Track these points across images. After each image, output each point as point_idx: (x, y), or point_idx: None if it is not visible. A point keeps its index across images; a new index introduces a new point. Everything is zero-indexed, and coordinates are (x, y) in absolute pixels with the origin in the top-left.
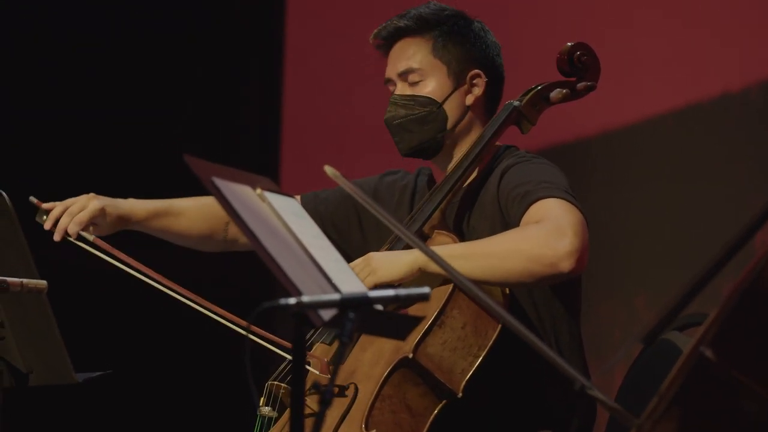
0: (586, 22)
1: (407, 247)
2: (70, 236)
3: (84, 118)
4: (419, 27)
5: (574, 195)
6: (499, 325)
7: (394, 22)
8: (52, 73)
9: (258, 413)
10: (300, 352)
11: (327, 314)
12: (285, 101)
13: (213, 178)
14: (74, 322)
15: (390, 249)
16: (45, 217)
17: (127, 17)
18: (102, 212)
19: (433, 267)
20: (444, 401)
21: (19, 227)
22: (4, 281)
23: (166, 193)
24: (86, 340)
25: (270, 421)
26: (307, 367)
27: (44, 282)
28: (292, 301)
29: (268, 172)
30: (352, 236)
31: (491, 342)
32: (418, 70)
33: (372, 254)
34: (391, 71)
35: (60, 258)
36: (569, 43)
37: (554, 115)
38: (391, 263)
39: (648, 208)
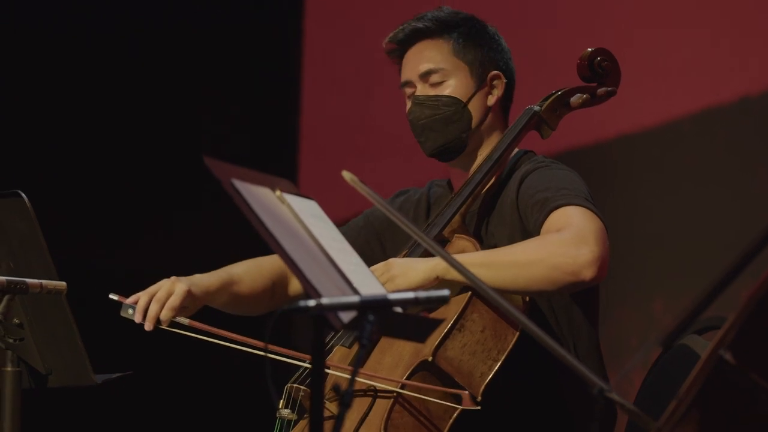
0: (605, 26)
1: (426, 253)
2: (161, 324)
3: (103, 120)
4: (438, 28)
5: (594, 202)
6: (519, 330)
7: (412, 24)
8: (69, 76)
9: (277, 416)
10: (319, 354)
11: (346, 316)
12: (303, 103)
13: (233, 179)
14: (93, 324)
15: (408, 254)
16: (131, 311)
17: (145, 18)
18: (189, 294)
19: (452, 275)
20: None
21: (39, 228)
22: (24, 282)
23: (187, 194)
24: (105, 341)
25: (290, 424)
26: (327, 371)
27: (63, 283)
28: (311, 303)
29: (286, 175)
30: (377, 261)
31: (510, 346)
32: (440, 71)
33: (392, 260)
34: (411, 73)
35: (79, 259)
36: (590, 49)
37: (573, 119)
38: (409, 271)
39: (666, 213)
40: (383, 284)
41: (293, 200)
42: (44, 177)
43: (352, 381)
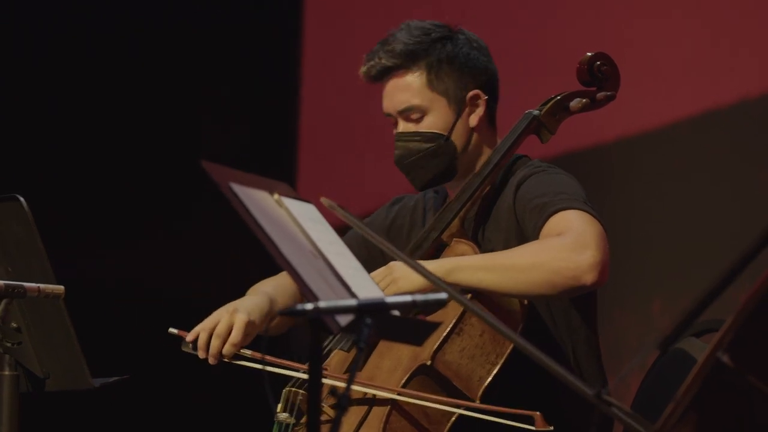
0: (604, 29)
1: (426, 256)
2: (224, 359)
3: (101, 121)
4: (407, 62)
5: (592, 206)
6: (517, 334)
7: (382, 61)
8: (67, 76)
9: (275, 419)
10: (317, 358)
11: (344, 320)
12: (302, 105)
13: (231, 183)
14: (91, 327)
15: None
16: (191, 346)
17: (144, 18)
18: (251, 324)
19: (453, 278)
20: (461, 409)
21: (37, 232)
22: (22, 286)
23: (185, 198)
24: (103, 344)
25: (288, 428)
26: (324, 381)
27: (61, 287)
28: (308, 306)
29: (285, 176)
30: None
31: (509, 350)
32: (417, 107)
33: (394, 264)
34: (390, 107)
35: (77, 263)
36: (589, 53)
37: (571, 121)
38: (411, 273)
39: (664, 215)
40: (385, 287)
41: (291, 204)
42: (42, 180)
43: (349, 384)
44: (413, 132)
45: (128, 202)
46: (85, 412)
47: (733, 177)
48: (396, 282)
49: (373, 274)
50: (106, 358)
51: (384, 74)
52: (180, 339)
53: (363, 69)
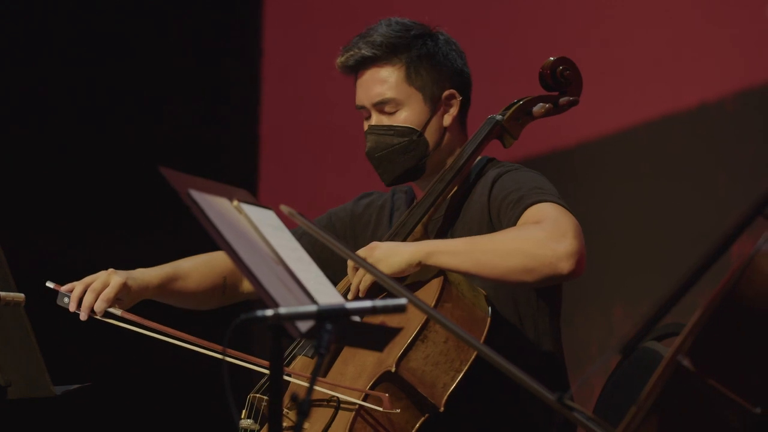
0: (564, 33)
1: (410, 238)
2: (96, 314)
3: (62, 128)
4: (386, 54)
5: (566, 202)
6: (482, 340)
7: (362, 51)
8: (34, 86)
9: (239, 426)
10: (278, 364)
11: (304, 326)
12: (263, 111)
13: (189, 190)
14: (52, 335)
15: (391, 237)
16: (66, 299)
17: (103, 25)
18: (125, 287)
19: (432, 261)
20: (426, 415)
21: None
22: None
23: (143, 204)
24: (64, 352)
25: None
26: (287, 378)
27: (22, 295)
28: (269, 312)
29: (245, 184)
30: (335, 262)
31: (473, 357)
32: (393, 100)
33: (376, 243)
34: (365, 100)
35: (37, 271)
36: (552, 58)
37: (531, 126)
38: (391, 255)
39: (625, 219)
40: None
41: (251, 210)
42: (1, 185)
43: (309, 390)
44: (386, 125)
45: (92, 207)
46: (46, 420)
47: (692, 181)
48: (376, 264)
49: (359, 252)
50: (67, 366)
51: (362, 65)
52: (55, 293)
53: (340, 59)
